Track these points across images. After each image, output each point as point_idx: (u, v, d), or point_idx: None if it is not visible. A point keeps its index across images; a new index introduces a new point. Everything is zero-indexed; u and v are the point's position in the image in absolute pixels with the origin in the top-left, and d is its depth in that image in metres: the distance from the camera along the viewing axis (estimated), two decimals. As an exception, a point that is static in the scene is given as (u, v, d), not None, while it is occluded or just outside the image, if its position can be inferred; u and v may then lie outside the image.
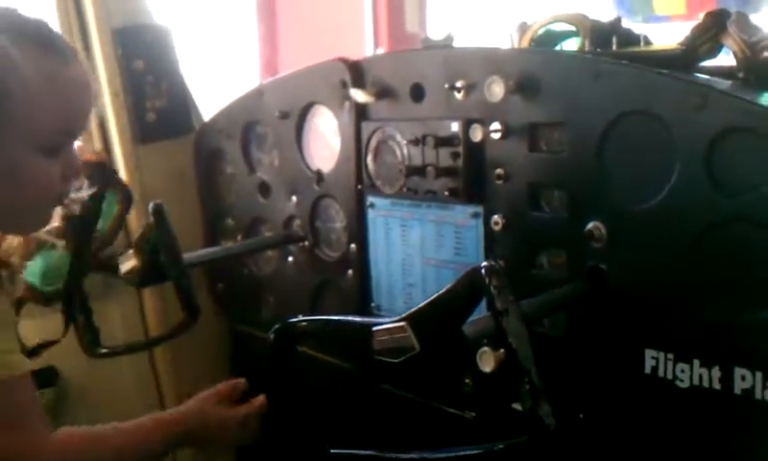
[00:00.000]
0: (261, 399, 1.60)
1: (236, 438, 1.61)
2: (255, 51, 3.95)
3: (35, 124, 1.18)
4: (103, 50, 2.08)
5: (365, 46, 3.72)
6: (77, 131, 1.29)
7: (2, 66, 1.13)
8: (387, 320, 1.35)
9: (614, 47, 1.68)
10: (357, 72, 1.81)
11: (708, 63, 1.50)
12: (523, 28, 1.87)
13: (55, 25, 2.06)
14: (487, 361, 1.53)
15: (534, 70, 1.48)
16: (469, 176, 1.58)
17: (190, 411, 1.56)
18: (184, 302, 1.70)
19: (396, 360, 1.32)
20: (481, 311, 1.32)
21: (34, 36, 1.18)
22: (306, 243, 2.00)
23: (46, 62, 1.18)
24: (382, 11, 3.78)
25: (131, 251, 1.75)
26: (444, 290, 1.28)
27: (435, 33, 1.78)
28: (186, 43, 2.54)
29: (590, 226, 1.42)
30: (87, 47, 2.10)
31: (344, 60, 1.83)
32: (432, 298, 1.30)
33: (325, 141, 1.94)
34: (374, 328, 1.34)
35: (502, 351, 1.52)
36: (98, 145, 2.17)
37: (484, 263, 1.23)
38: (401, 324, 1.31)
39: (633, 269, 1.37)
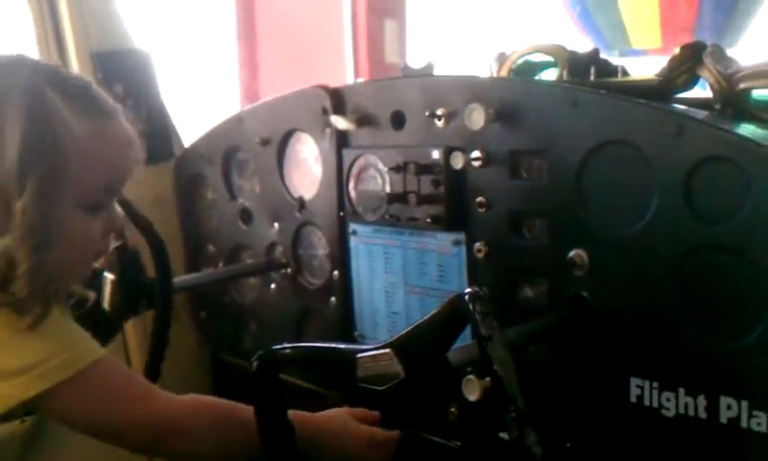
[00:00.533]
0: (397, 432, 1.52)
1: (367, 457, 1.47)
2: (235, 77, 3.97)
3: (82, 182, 1.19)
4: (81, 74, 2.07)
5: (345, 76, 3.75)
6: (120, 188, 1.30)
7: (55, 125, 1.15)
8: (371, 346, 1.34)
9: (592, 77, 1.71)
10: (338, 99, 1.81)
11: (684, 95, 1.52)
12: (502, 58, 1.89)
13: (33, 48, 2.08)
14: (472, 390, 1.53)
15: (514, 98, 1.49)
16: (451, 203, 1.59)
17: (335, 414, 1.47)
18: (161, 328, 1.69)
19: (380, 387, 1.32)
20: (465, 339, 1.32)
21: (80, 93, 1.20)
22: (289, 270, 2.00)
23: (92, 120, 1.20)
24: (362, 40, 3.81)
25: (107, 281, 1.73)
26: (428, 316, 1.28)
27: (415, 61, 1.80)
28: (166, 68, 2.54)
29: (572, 253, 1.42)
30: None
31: (324, 88, 1.84)
32: (416, 324, 1.29)
33: (307, 168, 1.94)
34: (359, 355, 1.34)
35: (488, 379, 1.53)
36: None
37: (467, 290, 1.23)
38: (386, 350, 1.30)
39: (615, 296, 1.38)
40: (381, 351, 1.30)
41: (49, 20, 2.06)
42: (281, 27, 3.82)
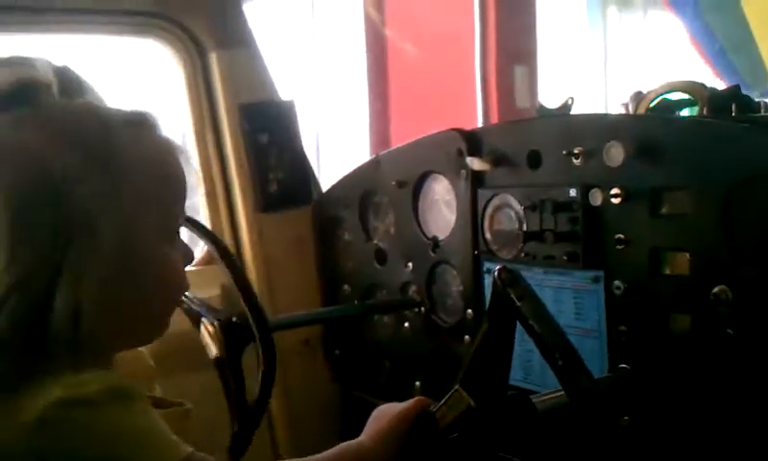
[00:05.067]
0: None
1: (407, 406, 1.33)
2: (365, 125, 4.08)
3: (165, 208, 1.08)
4: (230, 124, 2.20)
5: (475, 123, 3.80)
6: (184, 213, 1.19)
7: (160, 155, 1.08)
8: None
9: (734, 114, 1.68)
10: (473, 141, 1.85)
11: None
12: (638, 97, 1.89)
13: (185, 102, 2.22)
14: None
15: (654, 134, 1.48)
16: (589, 240, 1.59)
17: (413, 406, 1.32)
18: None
19: (463, 430, 1.24)
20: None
21: (149, 119, 1.10)
22: (423, 308, 2.03)
23: (162, 143, 1.10)
24: (492, 87, 3.86)
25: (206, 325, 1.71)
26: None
27: (549, 102, 1.82)
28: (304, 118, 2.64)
29: (716, 289, 1.39)
30: (215, 122, 2.23)
31: (459, 130, 1.88)
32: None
33: (441, 209, 1.98)
34: (433, 409, 1.28)
35: (626, 418, 1.51)
36: (223, 213, 2.28)
37: (497, 267, 1.22)
38: (455, 388, 1.24)
39: (763, 334, 1.34)
40: (450, 393, 1.25)
41: (200, 74, 2.20)
42: (412, 75, 3.91)
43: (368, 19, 3.98)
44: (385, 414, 1.31)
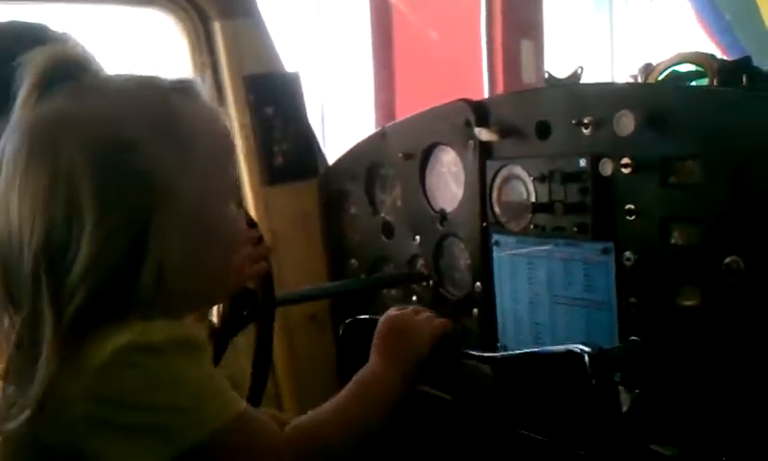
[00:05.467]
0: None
1: (426, 328, 1.32)
2: (370, 98, 4.05)
3: (225, 170, 1.14)
4: (235, 97, 2.18)
5: (481, 96, 3.76)
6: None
7: (213, 120, 1.11)
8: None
9: (745, 84, 1.65)
10: (481, 112, 1.83)
11: None
12: (647, 69, 1.86)
13: (189, 73, 2.20)
14: (622, 401, 1.51)
15: (665, 103, 1.47)
16: (599, 211, 1.57)
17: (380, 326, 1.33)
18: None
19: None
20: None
21: (194, 86, 1.13)
22: (430, 282, 2.02)
23: (211, 109, 1.13)
24: (498, 61, 3.83)
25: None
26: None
27: (558, 72, 1.79)
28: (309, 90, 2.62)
29: (728, 260, 1.38)
30: (221, 94, 2.20)
31: (467, 101, 1.86)
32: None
33: (449, 181, 1.96)
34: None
35: (636, 391, 1.51)
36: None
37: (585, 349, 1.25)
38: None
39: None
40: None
41: (204, 44, 2.17)
42: (417, 49, 3.88)
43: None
44: (404, 334, 1.32)
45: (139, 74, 1.08)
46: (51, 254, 0.96)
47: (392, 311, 1.36)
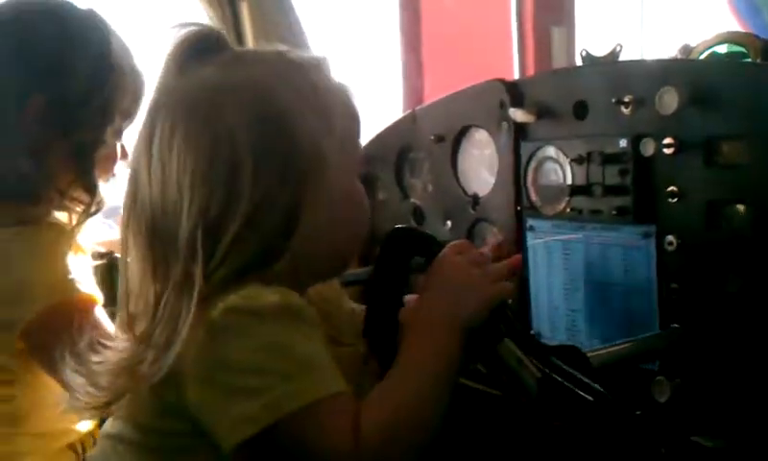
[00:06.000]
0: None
1: (482, 284, 1.08)
2: (398, 81, 3.99)
3: (358, 145, 1.19)
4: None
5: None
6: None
7: (346, 94, 1.14)
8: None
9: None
10: (516, 92, 1.77)
11: None
12: (686, 50, 1.80)
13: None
14: (662, 391, 1.46)
15: (710, 80, 1.40)
16: (640, 193, 1.51)
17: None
18: None
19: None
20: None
21: (324, 61, 1.15)
22: (462, 268, 1.97)
23: (342, 84, 1.16)
24: (529, 47, 3.76)
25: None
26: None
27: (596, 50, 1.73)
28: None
29: (778, 244, 1.32)
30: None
31: (502, 81, 1.81)
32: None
33: (481, 164, 1.91)
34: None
35: (678, 380, 1.45)
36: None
37: None
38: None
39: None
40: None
41: (230, 23, 2.14)
42: (446, 33, 3.82)
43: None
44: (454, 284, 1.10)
45: (276, 48, 1.12)
46: (208, 220, 0.99)
47: (449, 251, 1.13)
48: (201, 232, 0.99)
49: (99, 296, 1.46)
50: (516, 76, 3.70)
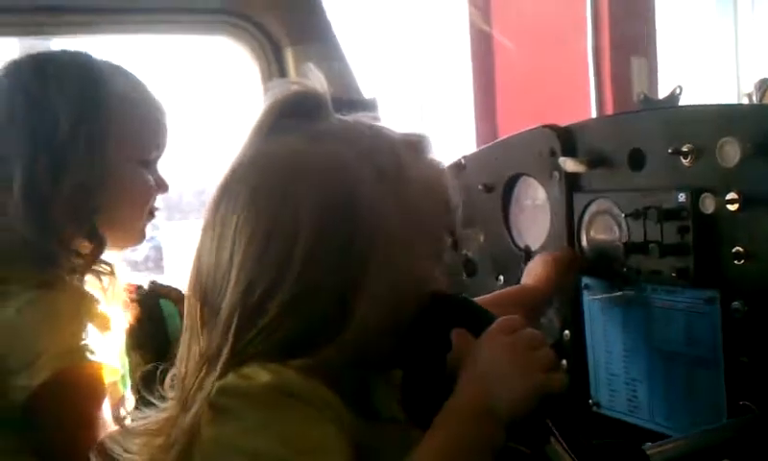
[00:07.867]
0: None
1: (531, 371, 0.96)
2: (471, 123, 3.89)
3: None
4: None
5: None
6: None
7: (437, 179, 1.09)
8: None
9: None
10: (567, 139, 1.63)
11: None
12: (764, 85, 1.64)
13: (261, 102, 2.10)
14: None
15: (778, 128, 1.24)
16: (701, 254, 1.35)
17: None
18: None
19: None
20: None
21: (426, 141, 1.13)
22: (514, 328, 1.83)
23: (437, 166, 1.12)
24: (606, 81, 3.58)
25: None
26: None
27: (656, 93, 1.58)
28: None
29: None
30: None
31: (552, 127, 1.67)
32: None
33: (533, 216, 1.77)
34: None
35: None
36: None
37: None
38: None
39: None
40: None
41: (276, 72, 2.08)
42: (520, 71, 3.69)
43: (472, 14, 3.78)
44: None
45: (371, 121, 1.07)
46: (249, 303, 0.96)
47: (498, 328, 1.00)
48: (238, 314, 0.96)
49: (116, 365, 1.39)
50: (594, 114, 3.53)
